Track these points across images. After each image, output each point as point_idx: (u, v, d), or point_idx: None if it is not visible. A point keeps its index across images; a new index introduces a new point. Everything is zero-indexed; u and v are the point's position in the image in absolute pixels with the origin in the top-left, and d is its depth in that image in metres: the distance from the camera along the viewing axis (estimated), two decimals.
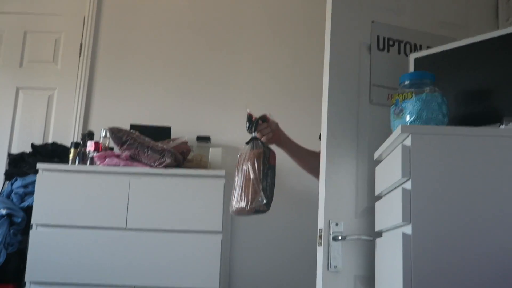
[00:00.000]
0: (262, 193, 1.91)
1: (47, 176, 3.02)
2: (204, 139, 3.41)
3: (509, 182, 1.39)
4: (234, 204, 2.01)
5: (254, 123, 2.06)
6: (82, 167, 3.08)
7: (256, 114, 2.10)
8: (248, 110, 2.09)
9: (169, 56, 3.72)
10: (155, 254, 2.89)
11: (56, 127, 3.64)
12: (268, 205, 1.94)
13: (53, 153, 3.30)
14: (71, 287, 2.89)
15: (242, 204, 1.95)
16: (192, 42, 3.73)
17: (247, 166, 1.98)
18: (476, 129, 1.47)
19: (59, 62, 3.76)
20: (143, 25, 3.78)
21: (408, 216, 1.40)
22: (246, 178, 1.98)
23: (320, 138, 2.21)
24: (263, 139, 2.08)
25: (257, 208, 1.93)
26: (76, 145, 3.23)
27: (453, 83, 1.80)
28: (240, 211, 1.98)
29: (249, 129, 2.07)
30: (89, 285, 2.88)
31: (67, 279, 2.88)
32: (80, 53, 3.75)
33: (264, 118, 2.10)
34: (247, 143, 2.06)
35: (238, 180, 2.02)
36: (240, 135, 3.49)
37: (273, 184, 1.97)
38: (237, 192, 2.01)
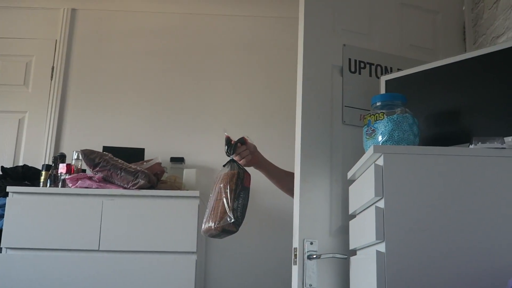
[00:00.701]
0: (231, 213, 1.88)
1: (17, 199, 2.98)
2: (178, 160, 3.41)
3: (479, 200, 1.43)
4: (203, 224, 2.00)
5: (232, 146, 2.08)
6: (54, 190, 3.04)
7: (232, 137, 2.12)
8: (226, 133, 2.11)
9: (142, 78, 3.73)
10: (129, 275, 2.86)
11: (27, 150, 3.60)
12: (236, 225, 1.89)
13: (24, 175, 3.25)
14: None
15: (211, 223, 1.93)
16: (165, 65, 3.74)
17: (220, 187, 1.98)
18: (446, 149, 1.51)
19: (30, 86, 3.72)
20: (116, 49, 3.78)
21: (381, 234, 1.43)
22: (217, 199, 1.97)
23: None
24: (241, 161, 2.10)
25: (225, 227, 1.89)
26: (47, 167, 3.19)
27: (423, 104, 1.85)
28: (208, 230, 1.95)
29: (228, 152, 2.08)
30: None
31: None
32: (51, 77, 3.72)
33: (242, 141, 2.12)
34: (224, 165, 2.07)
35: (211, 201, 2.03)
36: (214, 156, 3.54)
37: (245, 206, 1.95)
38: (207, 212, 2.00)
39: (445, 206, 1.43)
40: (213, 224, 1.92)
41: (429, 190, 1.44)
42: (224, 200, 1.92)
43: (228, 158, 2.07)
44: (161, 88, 3.71)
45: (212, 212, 1.96)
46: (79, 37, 3.81)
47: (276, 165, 2.29)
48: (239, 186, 1.96)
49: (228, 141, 2.08)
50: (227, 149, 2.07)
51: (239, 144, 2.10)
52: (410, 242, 1.41)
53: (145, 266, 2.88)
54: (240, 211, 1.92)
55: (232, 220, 1.88)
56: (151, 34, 3.80)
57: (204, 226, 1.99)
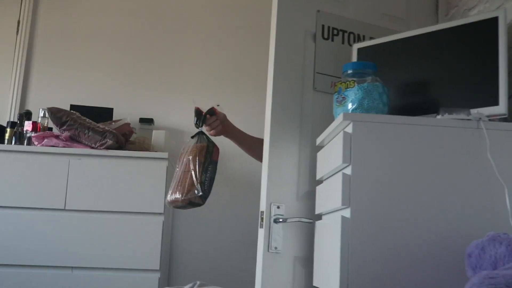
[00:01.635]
0: (199, 186, 1.89)
1: None
2: (147, 121, 3.39)
3: (444, 169, 1.47)
4: (169, 195, 2.00)
5: (202, 117, 2.07)
6: (19, 147, 3.00)
7: (203, 101, 2.10)
8: (195, 105, 2.09)
9: (111, 37, 3.65)
10: (95, 235, 2.87)
11: None
12: (203, 198, 1.92)
13: None
14: (8, 268, 2.82)
15: (178, 195, 1.94)
16: (135, 23, 3.67)
17: (188, 159, 1.98)
18: (414, 119, 1.53)
19: None
20: (85, 4, 3.69)
21: (347, 200, 1.46)
22: (185, 170, 1.97)
23: None
24: (211, 132, 2.09)
25: (192, 200, 1.91)
26: (12, 124, 3.14)
27: (394, 74, 1.87)
28: (174, 201, 1.96)
29: (197, 124, 2.07)
30: (26, 266, 2.82)
31: (2, 260, 2.81)
32: (17, 31, 3.62)
33: (212, 112, 2.11)
34: (193, 137, 2.06)
35: (178, 173, 2.02)
36: (184, 118, 3.52)
37: (212, 179, 1.96)
38: (174, 183, 2.00)
39: (411, 174, 1.46)
40: (180, 196, 1.93)
41: (396, 159, 1.47)
42: (192, 172, 1.93)
43: (197, 130, 2.06)
44: (131, 47, 3.65)
45: (179, 184, 1.96)
46: None
47: (246, 131, 2.30)
48: (208, 159, 1.96)
49: (197, 112, 2.07)
50: (196, 121, 2.06)
51: (208, 116, 2.09)
52: (375, 208, 1.44)
53: (112, 226, 2.89)
54: (207, 184, 1.94)
55: (200, 193, 1.90)
56: None
57: (170, 197, 1.99)
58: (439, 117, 1.53)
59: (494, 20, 1.66)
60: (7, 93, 3.53)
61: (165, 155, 3.00)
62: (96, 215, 2.90)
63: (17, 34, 3.61)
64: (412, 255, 1.42)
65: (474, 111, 1.55)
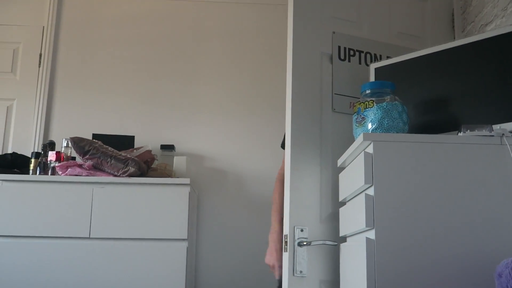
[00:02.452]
0: None
1: (7, 187, 2.97)
2: (168, 148, 3.41)
3: (468, 187, 1.45)
4: None
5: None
6: (44, 177, 3.03)
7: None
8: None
9: (131, 65, 3.71)
10: (120, 263, 2.87)
11: (16, 137, 3.57)
12: None
13: (13, 163, 3.23)
14: None
15: None
16: (154, 52, 3.73)
17: None
18: (436, 137, 1.52)
19: (18, 73, 3.69)
20: (104, 35, 3.75)
21: (371, 221, 1.45)
22: None
23: (282, 146, 2.26)
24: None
25: None
26: (37, 155, 3.18)
27: (413, 92, 1.86)
28: None
29: None
30: None
31: None
32: (39, 64, 3.69)
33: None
34: None
35: None
36: (204, 143, 3.54)
37: None
38: None
39: (433, 193, 1.45)
40: None
41: (418, 178, 1.46)
42: None
43: None
44: (151, 75, 3.69)
45: None
46: (66, 23, 3.77)
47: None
48: None
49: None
50: None
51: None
52: (399, 229, 1.43)
53: (136, 253, 2.89)
54: None
55: None
56: (140, 21, 3.77)
57: None
58: (461, 134, 1.51)
59: None
60: (31, 124, 3.59)
61: (187, 180, 3.01)
62: (120, 242, 2.91)
63: (39, 66, 3.69)
64: (438, 275, 1.40)
65: (496, 127, 1.54)
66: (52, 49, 3.70)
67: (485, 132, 1.50)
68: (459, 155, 1.47)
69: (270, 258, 2.13)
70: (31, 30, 3.75)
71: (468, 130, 1.51)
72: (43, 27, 3.74)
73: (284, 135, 2.30)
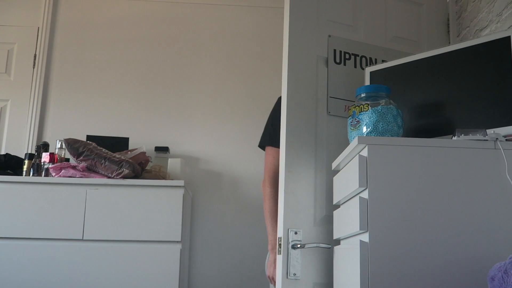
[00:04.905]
0: None
1: (0, 188, 2.95)
2: (162, 150, 3.41)
3: (461, 191, 1.46)
4: None
5: None
6: (37, 179, 3.02)
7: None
8: None
9: (126, 67, 3.70)
10: (114, 265, 2.86)
11: (9, 138, 3.56)
12: None
13: (7, 164, 3.22)
14: None
15: None
16: (149, 54, 3.72)
17: None
18: (430, 140, 1.53)
19: (12, 73, 3.68)
20: (99, 37, 3.75)
21: (365, 224, 1.45)
22: None
23: (259, 146, 2.28)
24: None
25: None
26: (30, 156, 3.17)
27: (408, 96, 1.87)
28: None
29: None
30: None
31: None
32: (34, 65, 3.68)
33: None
34: None
35: None
36: (199, 145, 3.54)
37: None
38: None
39: (428, 196, 1.45)
40: None
41: (412, 181, 1.46)
42: None
43: None
44: (145, 76, 3.69)
45: None
46: (61, 24, 3.76)
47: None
48: None
49: None
50: None
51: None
52: (393, 232, 1.43)
53: (130, 255, 2.88)
54: None
55: None
56: (135, 23, 3.77)
57: None
58: (455, 138, 1.52)
59: (507, 40, 1.66)
60: (25, 125, 3.57)
61: (181, 183, 3.00)
62: (114, 244, 2.90)
63: (33, 67, 3.68)
64: (432, 279, 1.40)
65: (490, 131, 1.54)
66: (46, 50, 3.69)
67: (479, 136, 1.50)
68: (453, 159, 1.48)
69: (273, 270, 2.12)
70: (26, 31, 3.73)
71: (462, 134, 1.51)
72: (38, 28, 3.73)
73: (262, 134, 2.31)
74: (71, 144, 3.01)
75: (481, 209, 1.44)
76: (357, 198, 1.50)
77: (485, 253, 1.40)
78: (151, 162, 3.28)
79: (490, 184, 1.46)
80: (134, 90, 3.66)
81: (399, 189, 1.46)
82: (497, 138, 1.49)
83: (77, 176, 2.97)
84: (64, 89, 3.67)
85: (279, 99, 2.36)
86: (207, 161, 3.35)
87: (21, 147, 3.49)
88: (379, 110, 1.67)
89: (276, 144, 2.22)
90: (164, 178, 3.14)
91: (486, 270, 1.24)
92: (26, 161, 3.15)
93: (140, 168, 3.09)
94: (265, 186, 2.22)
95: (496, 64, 1.68)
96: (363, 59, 2.15)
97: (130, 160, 3.02)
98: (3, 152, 3.44)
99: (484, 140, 1.49)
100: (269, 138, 2.27)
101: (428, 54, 1.86)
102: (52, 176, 3.01)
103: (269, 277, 2.16)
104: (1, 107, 3.62)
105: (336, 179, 1.84)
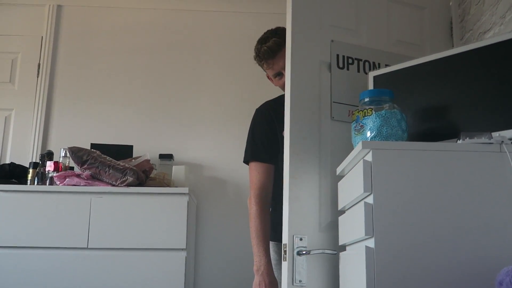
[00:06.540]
0: None
1: (5, 197, 2.95)
2: (167, 157, 3.41)
3: (467, 195, 1.44)
4: None
5: None
6: (42, 187, 3.02)
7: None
8: None
9: (130, 75, 3.71)
10: (118, 273, 2.86)
11: (14, 147, 3.57)
12: None
13: (11, 173, 3.23)
14: None
15: None
16: (153, 62, 3.73)
17: None
18: (435, 144, 1.52)
19: (16, 83, 3.70)
20: (102, 45, 3.76)
21: (370, 229, 1.43)
22: None
23: (244, 162, 2.24)
24: None
25: None
26: (34, 165, 3.17)
27: (411, 100, 1.86)
28: None
29: None
30: None
31: None
32: (38, 74, 3.69)
33: None
34: None
35: None
36: (203, 152, 3.53)
37: None
38: None
39: (433, 201, 1.44)
40: None
41: (417, 186, 1.45)
42: None
43: None
44: (149, 84, 3.69)
45: None
46: (65, 34, 3.78)
47: None
48: None
49: None
50: None
51: None
52: (399, 237, 1.42)
53: (135, 263, 2.87)
54: None
55: None
56: (138, 31, 3.78)
57: None
58: (460, 141, 1.50)
59: (511, 42, 1.64)
60: (29, 134, 3.58)
61: (185, 190, 3.00)
62: (119, 252, 2.89)
63: (37, 76, 3.69)
64: (438, 284, 1.39)
65: (495, 134, 1.53)
66: (50, 59, 3.71)
67: (484, 139, 1.49)
68: (459, 162, 1.46)
69: None
70: (29, 40, 3.75)
71: (467, 138, 1.50)
72: (42, 37, 3.75)
73: (245, 150, 2.29)
74: (75, 152, 3.01)
75: (488, 213, 1.43)
76: (362, 203, 1.48)
77: (492, 257, 1.39)
78: (155, 169, 3.28)
79: (496, 187, 1.44)
80: (137, 98, 3.67)
81: (404, 194, 1.44)
82: (502, 141, 1.47)
83: (82, 184, 2.97)
84: (68, 97, 3.68)
85: (257, 111, 2.36)
86: (212, 168, 3.34)
87: (26, 156, 3.50)
88: (383, 115, 1.66)
89: (259, 159, 2.21)
90: (168, 185, 3.13)
91: (494, 275, 1.22)
92: (31, 170, 3.15)
93: (144, 175, 3.09)
94: (251, 203, 2.21)
95: (501, 66, 1.67)
96: (366, 63, 2.14)
97: (134, 168, 3.01)
98: (7, 161, 3.45)
99: (490, 143, 1.48)
100: (251, 153, 2.26)
101: (432, 58, 1.85)
102: (56, 184, 3.01)
103: None
104: (6, 116, 3.63)
105: (340, 184, 1.82)
